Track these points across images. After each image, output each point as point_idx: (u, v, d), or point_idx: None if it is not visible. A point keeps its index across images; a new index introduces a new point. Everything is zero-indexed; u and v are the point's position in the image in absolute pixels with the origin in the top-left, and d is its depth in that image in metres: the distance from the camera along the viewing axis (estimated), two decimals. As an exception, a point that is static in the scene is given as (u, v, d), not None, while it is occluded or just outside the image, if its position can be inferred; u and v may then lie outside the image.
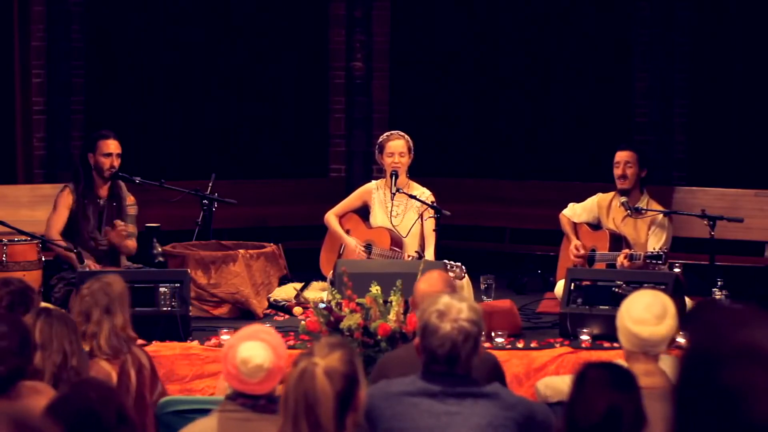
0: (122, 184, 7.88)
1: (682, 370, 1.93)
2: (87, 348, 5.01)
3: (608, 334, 6.61)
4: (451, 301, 3.98)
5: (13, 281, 5.30)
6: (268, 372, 3.82)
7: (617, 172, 7.76)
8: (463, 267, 7.14)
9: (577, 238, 7.88)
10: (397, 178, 7.71)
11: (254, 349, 3.83)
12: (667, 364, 4.25)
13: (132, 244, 7.81)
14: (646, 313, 4.15)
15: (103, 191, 7.82)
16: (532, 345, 6.67)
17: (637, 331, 4.13)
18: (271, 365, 3.82)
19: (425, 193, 7.76)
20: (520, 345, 6.66)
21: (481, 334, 3.96)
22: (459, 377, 3.93)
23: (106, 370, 4.91)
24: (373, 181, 8.17)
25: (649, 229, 7.75)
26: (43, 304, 5.89)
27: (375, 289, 6.15)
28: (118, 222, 7.66)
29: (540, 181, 10.65)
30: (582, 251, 7.75)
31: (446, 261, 7.13)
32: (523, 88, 11.01)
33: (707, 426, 1.84)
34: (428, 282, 4.98)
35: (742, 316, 1.91)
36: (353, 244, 7.85)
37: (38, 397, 4.02)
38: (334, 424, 3.34)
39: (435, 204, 7.60)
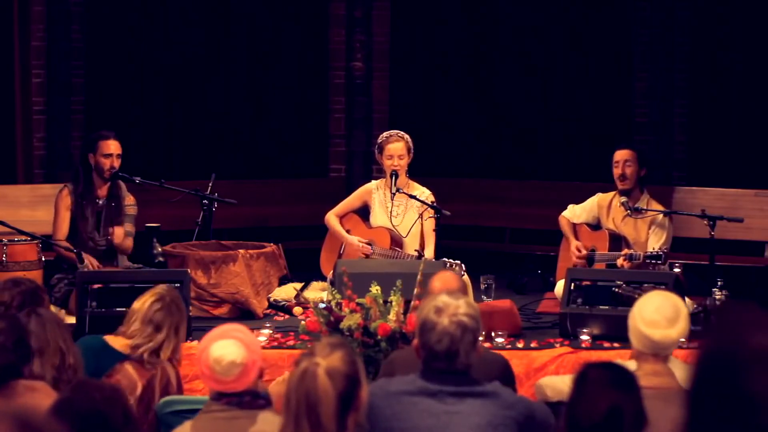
0: (122, 184, 7.87)
1: (700, 371, 1.90)
2: (137, 354, 4.96)
3: (608, 334, 6.62)
4: (449, 299, 3.99)
5: (23, 281, 5.31)
6: (243, 368, 3.83)
7: (617, 171, 7.76)
8: (463, 265, 7.14)
9: (577, 239, 7.89)
10: (397, 178, 7.71)
11: (226, 347, 3.84)
12: (676, 365, 4.25)
13: (129, 243, 7.81)
14: (658, 316, 4.14)
15: (103, 191, 7.81)
16: (532, 345, 6.67)
17: (649, 333, 4.12)
18: (244, 360, 3.83)
19: (425, 193, 7.77)
20: (520, 345, 6.66)
21: (479, 330, 3.96)
22: (458, 375, 3.93)
23: (133, 377, 4.85)
24: (373, 181, 8.17)
25: (649, 228, 7.75)
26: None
27: (375, 289, 6.15)
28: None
29: (540, 181, 10.65)
30: (583, 251, 7.75)
31: (445, 259, 7.14)
32: (522, 87, 11.01)
33: (724, 430, 1.82)
34: (442, 280, 4.98)
35: (761, 319, 1.88)
36: (355, 241, 7.85)
37: (36, 395, 4.02)
38: (336, 424, 3.34)
39: (435, 204, 7.60)
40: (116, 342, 5.08)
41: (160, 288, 5.12)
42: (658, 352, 4.14)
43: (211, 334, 3.94)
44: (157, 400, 4.86)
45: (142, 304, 5.04)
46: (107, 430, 3.27)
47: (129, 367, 4.88)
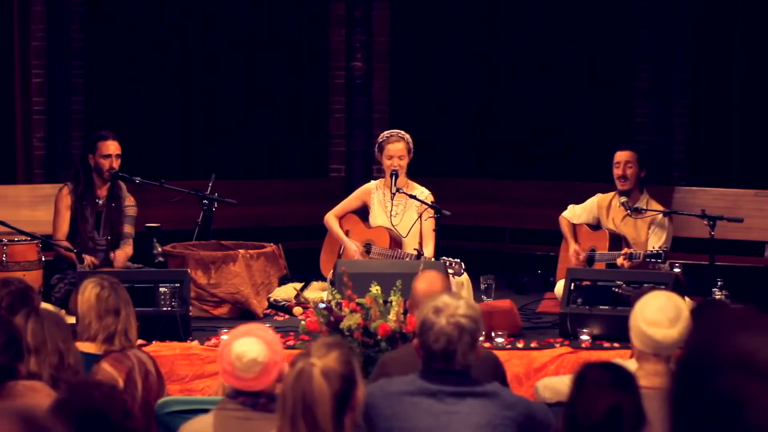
0: (122, 184, 7.88)
1: (678, 373, 1.91)
2: (117, 346, 4.97)
3: (608, 334, 6.62)
4: (449, 299, 3.99)
5: (13, 281, 5.28)
6: (264, 366, 3.83)
7: (617, 172, 7.76)
8: (462, 263, 7.14)
9: (576, 239, 7.89)
10: (397, 178, 7.71)
11: (248, 344, 3.86)
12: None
13: (129, 250, 7.82)
14: (660, 316, 4.14)
15: (103, 192, 7.82)
16: (532, 345, 6.67)
17: (651, 333, 4.13)
18: (265, 359, 3.84)
19: (424, 193, 7.77)
20: (520, 345, 6.66)
21: (478, 331, 3.96)
22: (457, 375, 3.93)
23: (112, 375, 4.82)
24: (372, 182, 8.18)
25: (649, 228, 7.75)
26: (43, 305, 5.87)
27: (375, 289, 6.15)
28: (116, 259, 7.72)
29: (540, 181, 10.64)
30: (582, 255, 7.75)
31: (445, 258, 7.14)
32: (523, 88, 11.01)
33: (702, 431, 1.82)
34: (427, 281, 4.98)
35: (739, 320, 1.88)
36: (353, 248, 7.84)
37: (36, 395, 4.01)
38: (332, 424, 3.34)
39: (434, 204, 7.60)
40: (85, 347, 5.05)
41: (91, 280, 5.11)
42: (660, 352, 4.14)
43: (235, 330, 3.97)
44: (140, 390, 4.85)
45: (88, 301, 5.02)
46: (107, 428, 3.27)
47: (106, 366, 4.86)
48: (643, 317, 4.16)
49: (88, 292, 5.03)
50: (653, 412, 3.51)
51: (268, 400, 3.87)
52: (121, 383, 4.78)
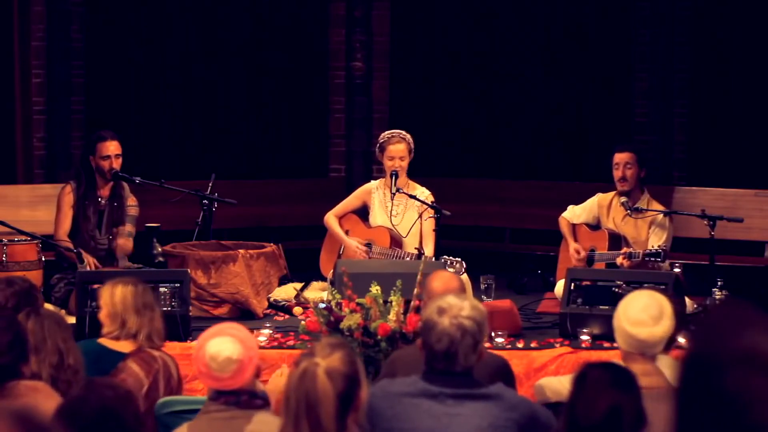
0: (125, 184, 7.89)
1: (684, 373, 1.90)
2: (156, 342, 5.00)
3: (608, 334, 6.59)
4: (454, 300, 3.98)
5: (16, 281, 5.27)
6: (239, 364, 3.84)
7: (617, 174, 7.76)
8: (463, 263, 7.14)
9: (576, 239, 7.89)
10: (397, 178, 7.72)
11: (221, 343, 3.86)
12: (664, 363, 4.25)
13: (130, 245, 7.83)
14: (643, 315, 4.14)
15: (105, 191, 7.82)
16: (532, 345, 6.67)
17: (635, 333, 4.13)
18: (240, 357, 3.84)
19: (425, 193, 7.77)
20: (520, 345, 6.66)
21: (481, 333, 3.95)
22: (459, 377, 3.93)
23: (139, 375, 4.81)
24: (373, 181, 8.18)
25: (649, 228, 7.75)
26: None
27: (375, 289, 6.15)
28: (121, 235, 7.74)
29: (540, 181, 10.65)
30: (582, 253, 7.76)
31: (445, 257, 7.14)
32: (523, 87, 11.01)
33: (709, 430, 1.82)
34: (443, 281, 4.98)
35: (745, 319, 1.88)
36: (353, 245, 7.84)
37: (37, 395, 4.01)
38: (335, 424, 3.34)
39: (434, 204, 7.61)
40: (116, 345, 5.05)
41: (116, 281, 5.12)
42: (645, 351, 4.15)
43: (207, 332, 3.96)
44: (162, 395, 4.85)
45: (123, 299, 5.03)
46: (120, 429, 3.25)
47: (132, 365, 4.86)
48: (626, 318, 4.16)
49: (120, 291, 5.04)
50: (647, 412, 3.52)
51: (250, 397, 3.87)
52: (146, 384, 4.78)
